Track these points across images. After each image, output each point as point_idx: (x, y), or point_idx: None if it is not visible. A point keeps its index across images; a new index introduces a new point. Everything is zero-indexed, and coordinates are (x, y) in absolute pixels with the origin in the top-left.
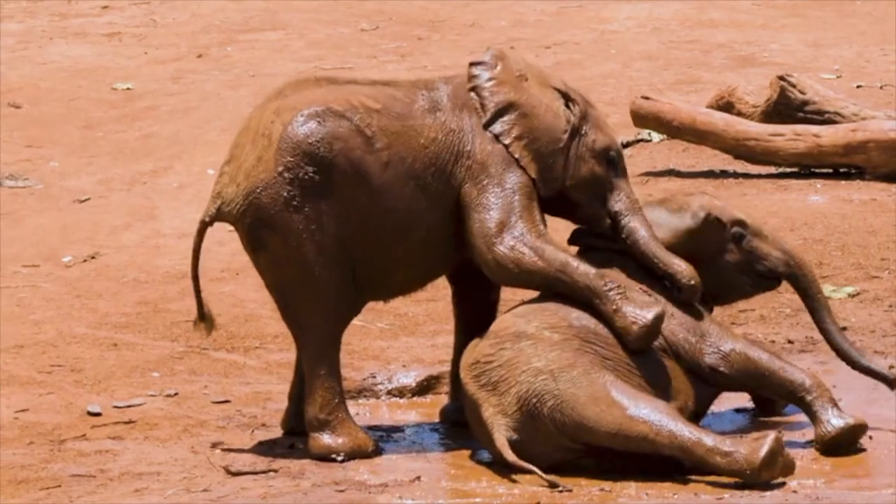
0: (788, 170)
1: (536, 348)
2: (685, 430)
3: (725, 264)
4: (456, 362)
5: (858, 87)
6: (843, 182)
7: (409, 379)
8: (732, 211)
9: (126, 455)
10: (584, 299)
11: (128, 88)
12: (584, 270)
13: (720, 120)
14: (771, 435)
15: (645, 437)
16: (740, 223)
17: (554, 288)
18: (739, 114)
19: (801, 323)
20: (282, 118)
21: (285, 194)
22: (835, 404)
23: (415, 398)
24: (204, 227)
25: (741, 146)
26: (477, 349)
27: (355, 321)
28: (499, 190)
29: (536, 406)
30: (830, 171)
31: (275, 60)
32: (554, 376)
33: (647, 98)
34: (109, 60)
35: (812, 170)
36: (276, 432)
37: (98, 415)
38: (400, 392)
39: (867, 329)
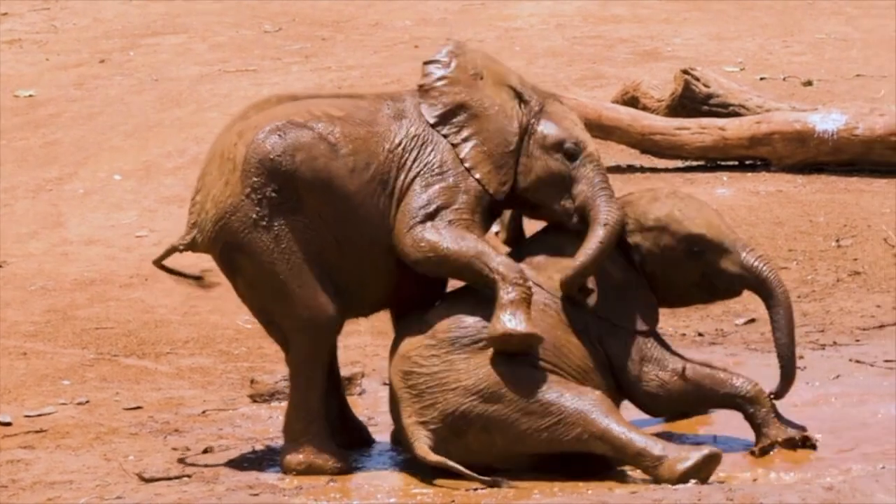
0: (695, 163)
1: (469, 363)
2: (618, 430)
3: (680, 278)
4: None
5: (762, 79)
6: (749, 174)
7: None
8: (691, 226)
9: (38, 464)
10: (491, 286)
11: (30, 95)
12: (501, 260)
13: (626, 115)
14: (704, 451)
15: (579, 438)
16: (697, 239)
17: (468, 275)
18: (644, 108)
19: (711, 316)
20: (244, 139)
21: (254, 216)
22: (777, 414)
23: None
24: (173, 251)
25: (647, 140)
26: (410, 343)
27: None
28: (442, 187)
29: (462, 427)
30: (736, 163)
31: (178, 64)
32: (484, 397)
33: None
34: (10, 67)
35: (718, 162)
36: (189, 438)
37: (8, 424)
38: None
39: None
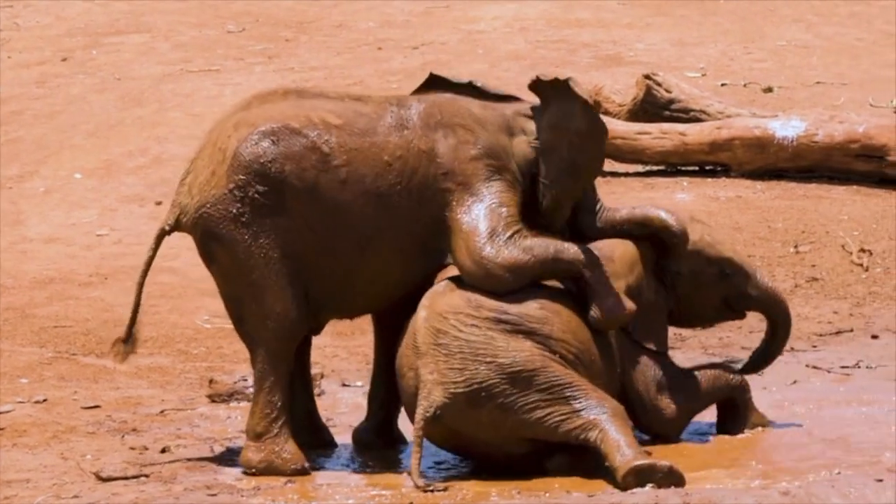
0: (655, 168)
1: (509, 343)
2: (616, 427)
3: (705, 300)
4: (376, 382)
5: (723, 85)
6: (709, 180)
7: None
8: (723, 250)
9: None
10: (578, 274)
11: None
12: (575, 250)
13: None
14: (661, 463)
15: (583, 428)
16: (728, 262)
17: (552, 274)
18: (606, 113)
19: None
20: (238, 133)
21: (234, 210)
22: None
23: None
24: (162, 234)
25: (608, 145)
26: (450, 304)
27: (223, 323)
28: (483, 206)
29: (482, 400)
30: (696, 168)
31: (140, 63)
32: (514, 379)
33: None
34: None
35: (678, 168)
36: (147, 437)
37: None
38: None
39: (734, 325)
